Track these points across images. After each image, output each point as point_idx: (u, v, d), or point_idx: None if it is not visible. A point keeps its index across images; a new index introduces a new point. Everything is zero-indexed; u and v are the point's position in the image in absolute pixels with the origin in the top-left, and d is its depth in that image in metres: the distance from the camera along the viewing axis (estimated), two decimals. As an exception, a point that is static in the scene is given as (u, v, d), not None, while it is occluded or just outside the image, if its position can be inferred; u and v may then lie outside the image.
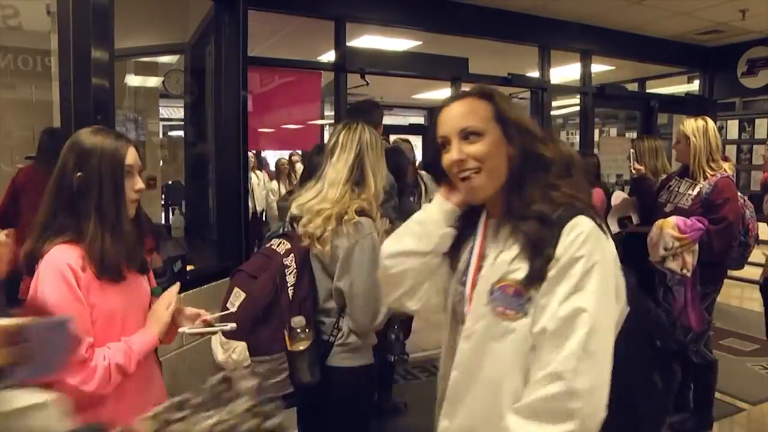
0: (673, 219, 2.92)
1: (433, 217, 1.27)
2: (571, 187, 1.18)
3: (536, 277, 1.09)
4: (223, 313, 1.75)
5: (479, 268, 1.22)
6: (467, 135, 1.17)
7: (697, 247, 2.87)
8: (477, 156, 1.16)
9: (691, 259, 2.87)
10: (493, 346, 1.14)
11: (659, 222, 2.97)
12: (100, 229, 1.41)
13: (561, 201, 1.14)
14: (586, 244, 1.08)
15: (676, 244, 2.86)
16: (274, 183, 7.14)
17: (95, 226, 1.41)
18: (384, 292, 1.34)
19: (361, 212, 1.85)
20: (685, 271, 2.88)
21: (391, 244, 1.30)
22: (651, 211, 3.24)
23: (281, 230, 2.15)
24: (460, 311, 1.25)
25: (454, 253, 1.28)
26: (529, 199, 1.15)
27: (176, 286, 1.62)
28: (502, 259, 1.16)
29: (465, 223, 1.28)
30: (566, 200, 1.15)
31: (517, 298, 1.11)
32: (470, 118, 1.17)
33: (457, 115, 1.19)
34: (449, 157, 1.18)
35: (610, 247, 1.13)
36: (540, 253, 1.10)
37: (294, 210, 1.94)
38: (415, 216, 1.30)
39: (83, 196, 1.42)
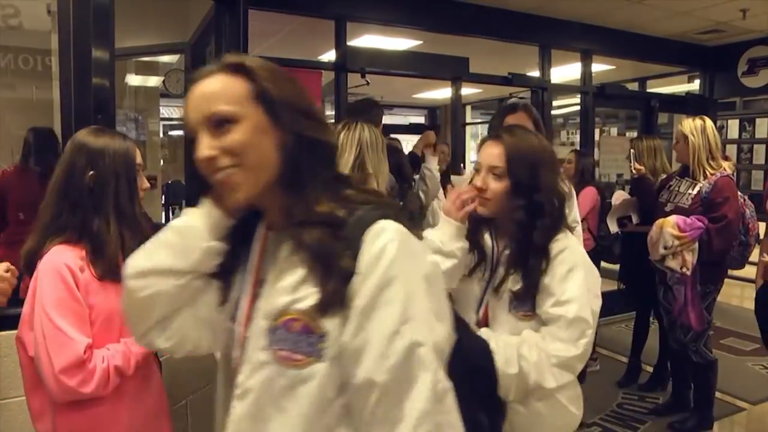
0: (673, 218, 2.92)
1: (194, 225, 0.94)
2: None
3: (331, 303, 0.82)
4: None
5: (254, 298, 0.92)
6: (217, 123, 0.86)
7: (697, 245, 2.87)
8: (231, 149, 0.86)
9: (690, 258, 2.87)
10: (280, 404, 0.85)
11: (659, 221, 2.97)
12: (118, 227, 1.44)
13: (359, 199, 0.89)
14: (400, 257, 0.82)
15: (676, 242, 2.87)
16: None
17: (115, 224, 1.44)
18: (130, 323, 1.00)
19: None
20: (684, 269, 2.88)
21: (139, 260, 0.96)
22: (651, 211, 3.24)
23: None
24: (234, 358, 0.95)
25: (225, 277, 0.98)
26: (312, 198, 0.87)
27: None
28: (285, 285, 0.87)
29: (239, 238, 0.97)
30: (366, 198, 0.89)
31: (307, 335, 0.83)
32: (219, 100, 0.87)
33: (201, 99, 0.88)
34: (197, 153, 0.88)
35: (430, 257, 0.92)
36: (333, 270, 0.82)
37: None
38: (174, 223, 0.98)
39: (97, 195, 1.44)
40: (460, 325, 1.14)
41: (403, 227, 0.85)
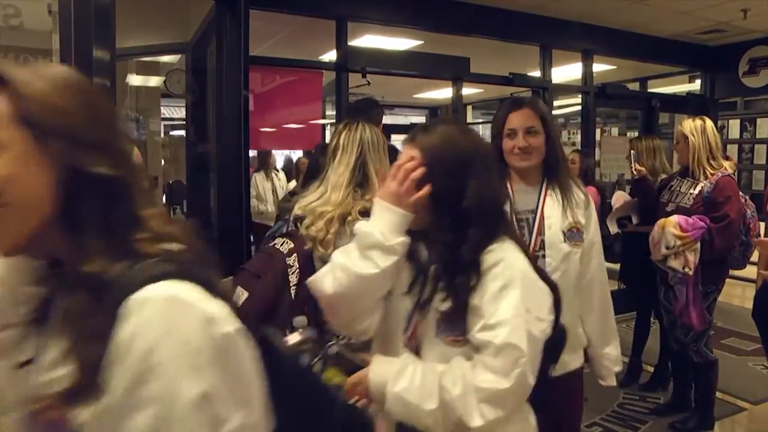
0: (675, 218, 2.93)
1: None
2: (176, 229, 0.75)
3: (80, 394, 0.63)
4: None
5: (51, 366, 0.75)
6: None
7: (699, 245, 2.87)
8: None
9: (693, 258, 2.87)
10: None
11: (661, 221, 2.98)
12: None
13: (144, 250, 0.70)
14: (164, 338, 0.63)
15: (678, 242, 2.87)
16: (293, 183, 7.14)
17: None
18: None
19: (365, 213, 1.84)
20: (687, 269, 2.88)
21: None
22: (652, 211, 3.24)
23: (284, 229, 2.16)
24: None
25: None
26: (84, 251, 0.68)
27: None
28: (48, 360, 0.70)
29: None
30: (156, 249, 0.71)
31: (59, 428, 0.66)
32: None
33: None
34: None
35: (217, 329, 0.67)
36: (84, 352, 0.64)
37: (297, 210, 1.94)
38: None
39: None
40: (320, 395, 0.98)
41: (184, 290, 0.66)
